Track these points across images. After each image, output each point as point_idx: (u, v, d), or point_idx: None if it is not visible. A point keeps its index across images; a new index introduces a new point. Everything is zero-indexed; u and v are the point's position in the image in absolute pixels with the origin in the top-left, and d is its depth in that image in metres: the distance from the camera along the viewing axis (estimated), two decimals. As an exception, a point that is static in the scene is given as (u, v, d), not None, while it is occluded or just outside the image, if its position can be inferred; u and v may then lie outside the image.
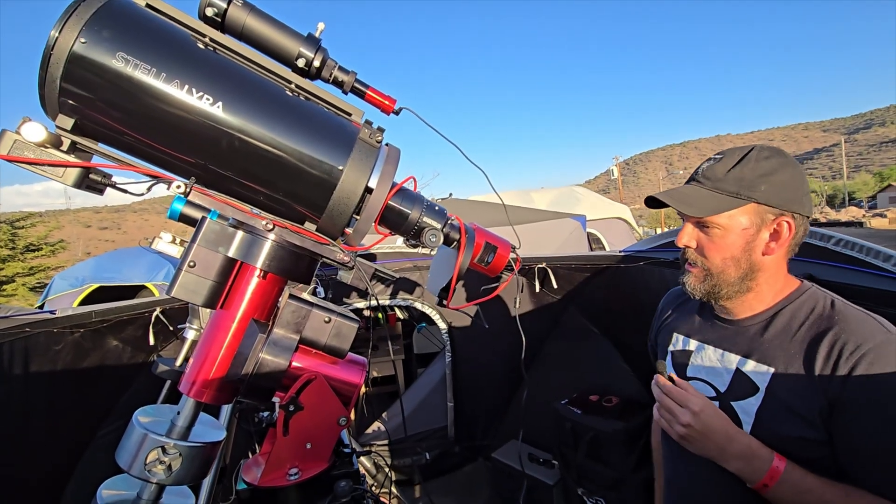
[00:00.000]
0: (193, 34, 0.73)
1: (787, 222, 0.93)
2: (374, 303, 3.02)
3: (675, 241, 1.06)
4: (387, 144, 0.86)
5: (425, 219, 0.88)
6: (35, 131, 0.65)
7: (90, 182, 0.72)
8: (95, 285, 5.53)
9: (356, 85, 0.86)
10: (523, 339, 1.15)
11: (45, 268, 14.58)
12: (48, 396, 1.97)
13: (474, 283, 2.40)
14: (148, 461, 0.71)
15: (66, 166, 0.67)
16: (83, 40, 0.63)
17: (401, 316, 4.55)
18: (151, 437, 0.72)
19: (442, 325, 3.11)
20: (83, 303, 5.28)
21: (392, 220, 0.87)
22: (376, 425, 3.29)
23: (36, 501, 2.01)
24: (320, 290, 2.50)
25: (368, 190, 0.79)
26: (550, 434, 2.63)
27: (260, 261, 0.77)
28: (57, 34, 0.63)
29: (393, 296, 2.92)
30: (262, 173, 0.76)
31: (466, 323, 3.10)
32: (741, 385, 0.96)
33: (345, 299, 2.72)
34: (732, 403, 0.96)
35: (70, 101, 0.67)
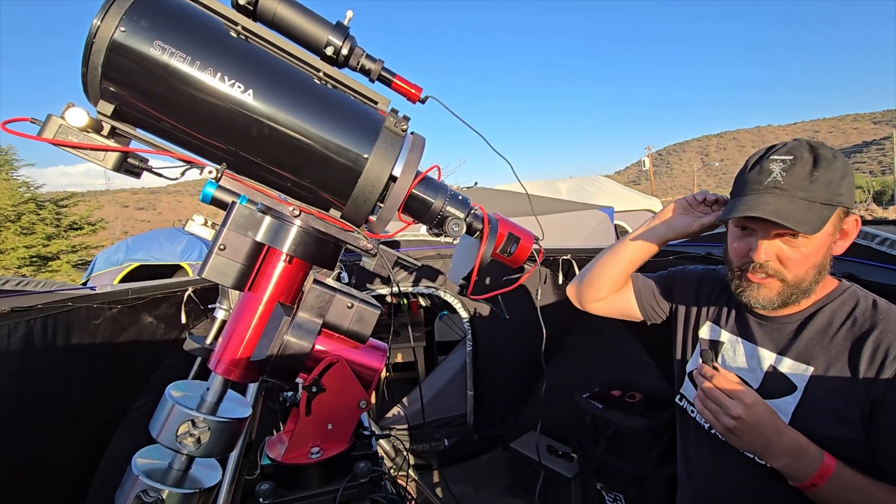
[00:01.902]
0: (226, 22, 0.74)
1: (856, 219, 0.91)
2: (396, 290, 3.06)
3: (717, 236, 1.01)
4: (412, 133, 0.86)
5: (448, 208, 0.89)
6: (78, 116, 0.68)
7: (128, 166, 0.76)
8: (136, 264, 5.77)
9: (383, 73, 0.87)
10: (544, 331, 1.15)
11: (87, 246, 15.25)
12: (87, 368, 2.08)
13: (496, 274, 2.40)
14: (179, 433, 0.75)
15: (107, 150, 0.70)
16: (123, 29, 0.66)
17: (423, 303, 4.59)
18: (182, 411, 0.76)
19: (464, 314, 3.12)
20: (123, 280, 5.52)
21: (415, 209, 0.88)
22: (396, 410, 3.35)
23: (77, 466, 2.14)
24: (344, 275, 2.54)
25: (393, 178, 0.80)
26: (570, 427, 2.63)
27: (286, 245, 0.79)
28: (99, 22, 0.66)
29: (416, 283, 2.95)
30: (290, 160, 0.77)
31: (488, 312, 3.11)
32: (776, 383, 0.94)
33: (368, 285, 2.76)
34: (767, 401, 0.93)
35: (110, 88, 0.70)
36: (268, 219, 0.78)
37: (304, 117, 0.75)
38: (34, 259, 13.75)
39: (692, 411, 1.10)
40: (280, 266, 0.81)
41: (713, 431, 1.02)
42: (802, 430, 0.88)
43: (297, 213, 0.80)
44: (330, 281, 0.88)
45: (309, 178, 0.79)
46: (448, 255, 2.95)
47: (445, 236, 0.91)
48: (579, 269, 2.60)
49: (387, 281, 2.84)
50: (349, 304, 0.85)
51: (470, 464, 3.34)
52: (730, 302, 1.10)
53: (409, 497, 1.02)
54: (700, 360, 0.97)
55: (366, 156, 0.78)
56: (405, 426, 3.27)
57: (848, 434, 0.84)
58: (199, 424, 0.76)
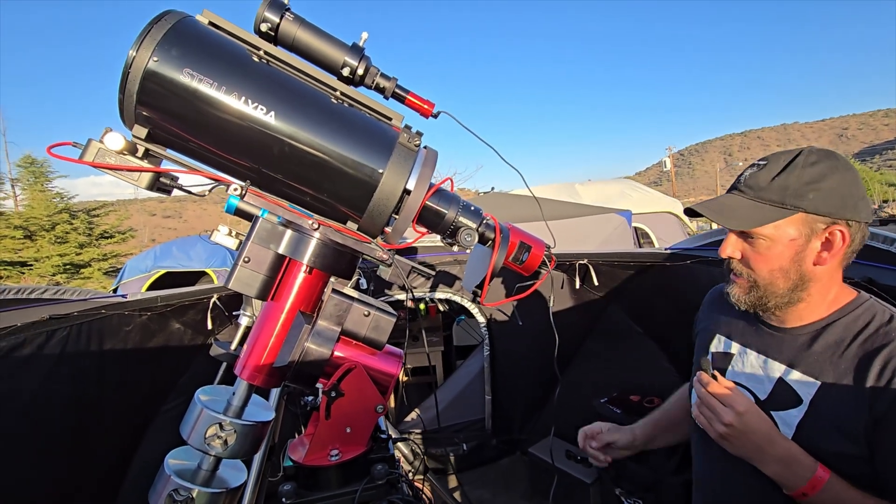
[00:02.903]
0: (249, 48, 0.79)
1: (841, 231, 0.88)
2: (411, 297, 3.10)
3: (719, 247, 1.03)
4: (425, 147, 0.90)
5: (461, 218, 0.92)
6: (116, 140, 0.73)
7: (160, 184, 0.81)
8: (162, 271, 5.96)
9: (397, 90, 0.90)
10: (556, 337, 1.16)
11: (117, 254, 15.81)
12: (119, 372, 2.17)
13: (511, 280, 2.41)
14: (207, 435, 0.80)
15: (142, 171, 0.75)
16: (156, 58, 0.71)
17: (441, 308, 4.62)
18: (210, 414, 0.80)
19: (480, 319, 3.14)
20: (151, 287, 5.71)
21: (429, 220, 0.91)
22: (414, 414, 3.38)
23: (109, 467, 2.23)
24: (363, 281, 2.59)
25: (407, 191, 0.84)
26: (588, 432, 2.61)
27: (306, 257, 0.84)
28: (134, 53, 0.71)
29: (433, 289, 2.98)
30: (309, 176, 0.82)
31: (504, 318, 3.12)
32: (784, 395, 0.93)
33: (386, 291, 2.81)
34: (773, 413, 0.93)
35: (144, 113, 0.75)
36: (289, 232, 0.82)
37: (323, 136, 0.79)
38: (67, 267, 14.30)
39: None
40: (300, 277, 0.85)
41: None
42: (806, 444, 0.88)
43: (316, 226, 0.84)
44: (348, 290, 0.92)
45: (327, 193, 0.84)
46: (464, 261, 2.98)
47: (458, 246, 0.94)
48: (596, 273, 2.60)
49: (404, 287, 2.88)
50: (366, 313, 0.88)
51: (488, 468, 3.34)
52: (740, 314, 1.10)
53: (426, 499, 1.05)
54: (700, 369, 0.99)
55: (381, 171, 0.82)
56: (422, 430, 3.30)
57: (851, 449, 0.84)
58: (225, 427, 0.81)
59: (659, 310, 2.59)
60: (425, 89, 0.95)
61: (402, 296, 2.90)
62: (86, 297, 2.05)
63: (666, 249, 2.29)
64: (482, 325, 3.15)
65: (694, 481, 1.17)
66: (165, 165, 0.82)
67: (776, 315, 0.99)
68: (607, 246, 4.36)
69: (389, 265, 0.89)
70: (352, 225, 0.87)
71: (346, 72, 0.85)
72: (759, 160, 0.97)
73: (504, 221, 1.00)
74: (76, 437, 1.98)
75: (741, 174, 0.98)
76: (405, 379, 4.22)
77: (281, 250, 0.82)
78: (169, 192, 0.85)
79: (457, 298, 3.06)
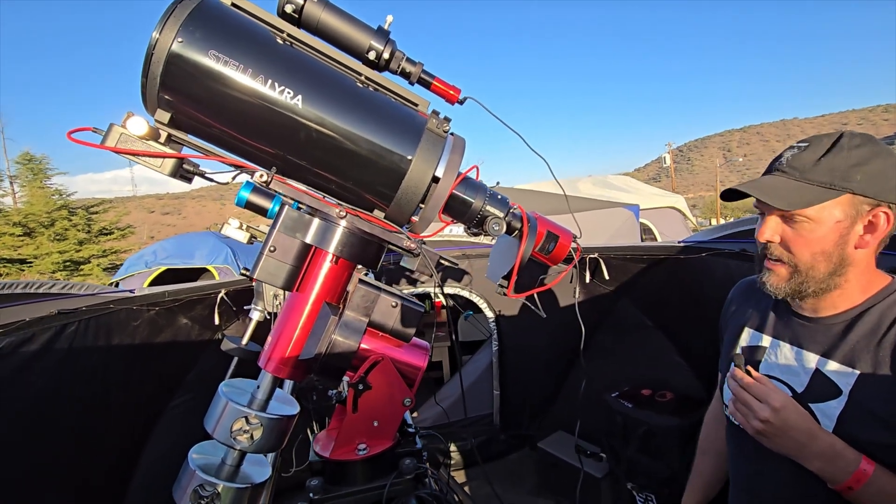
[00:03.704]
0: (273, 30, 0.76)
1: (885, 213, 0.87)
2: (433, 290, 3.09)
3: (753, 233, 1.00)
4: (452, 134, 0.87)
5: (488, 207, 0.89)
6: (139, 125, 0.71)
7: (183, 171, 0.78)
8: (164, 268, 5.93)
9: (422, 75, 0.88)
10: (582, 328, 1.14)
11: (116, 250, 15.77)
12: (127, 367, 2.15)
13: (524, 273, 2.40)
14: (233, 429, 0.77)
15: (165, 157, 0.73)
16: (180, 40, 0.68)
17: (447, 303, 4.61)
18: (236, 408, 0.78)
19: (489, 314, 3.12)
20: (152, 284, 5.68)
21: (456, 209, 0.89)
22: (421, 410, 3.36)
23: (118, 460, 2.21)
24: (371, 276, 2.57)
25: (435, 179, 0.81)
26: (598, 426, 2.60)
27: (333, 246, 0.81)
28: (157, 35, 0.68)
29: (441, 284, 2.97)
30: (336, 163, 0.79)
31: (514, 312, 3.10)
32: (822, 386, 0.91)
33: (394, 285, 2.79)
34: (811, 405, 0.91)
35: (167, 97, 0.72)
36: (316, 220, 0.80)
37: (350, 121, 0.77)
38: (67, 263, 14.25)
39: (734, 419, 1.09)
40: (326, 266, 0.83)
41: None
42: (847, 435, 0.86)
43: (343, 214, 0.82)
44: (373, 280, 0.90)
45: (354, 181, 0.81)
46: (473, 256, 2.96)
47: (485, 235, 0.92)
48: (606, 267, 2.58)
49: (413, 281, 2.86)
50: (393, 304, 0.86)
51: (497, 463, 3.33)
52: (770, 305, 1.08)
53: (454, 494, 1.03)
54: (733, 365, 0.96)
55: (409, 157, 0.79)
56: (430, 426, 3.28)
57: (893, 439, 0.82)
58: (251, 421, 0.78)
59: (672, 304, 2.57)
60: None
61: (409, 290, 2.88)
62: (93, 291, 2.03)
63: (679, 242, 2.27)
64: (490, 319, 3.13)
65: (731, 480, 1.15)
66: (188, 152, 0.79)
67: (809, 304, 0.97)
68: (615, 240, 4.33)
69: (417, 255, 0.87)
70: (378, 213, 0.84)
71: (371, 56, 0.82)
72: (798, 142, 0.94)
73: (530, 211, 0.98)
74: (85, 431, 1.96)
75: (780, 156, 0.95)
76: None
77: (308, 239, 0.80)
78: (190, 180, 0.82)
79: (465, 293, 3.04)
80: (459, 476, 3.19)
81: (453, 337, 3.72)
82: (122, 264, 6.61)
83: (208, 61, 0.70)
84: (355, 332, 0.82)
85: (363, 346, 0.86)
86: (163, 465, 2.34)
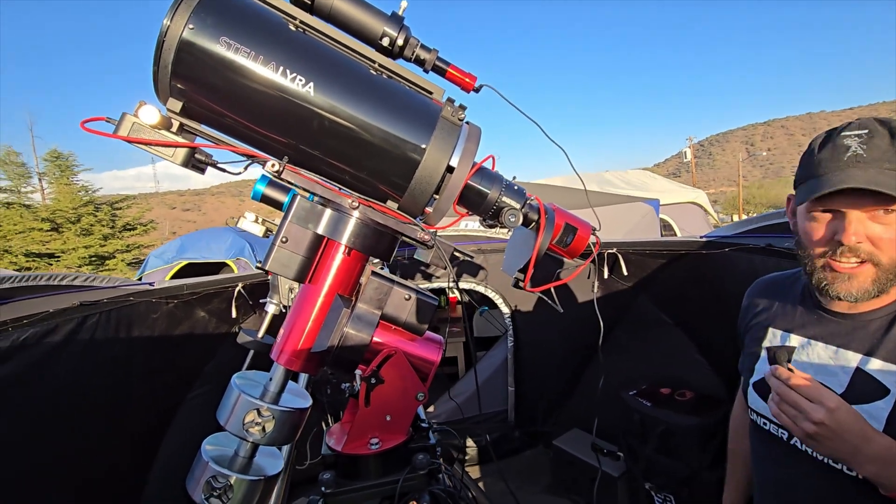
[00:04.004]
0: (286, 17, 0.75)
1: None
2: (447, 285, 3.07)
3: (779, 227, 0.94)
4: (467, 123, 0.85)
5: (504, 198, 0.87)
6: (151, 114, 0.70)
7: (195, 161, 0.78)
8: (184, 262, 6.04)
9: (437, 63, 0.85)
10: (601, 324, 1.10)
11: (139, 245, 16.17)
12: (147, 358, 2.19)
13: (539, 269, 2.36)
14: (246, 421, 0.77)
15: (177, 146, 0.72)
16: (191, 27, 0.67)
17: (462, 299, 4.59)
18: (248, 400, 0.77)
19: (505, 310, 3.09)
20: (173, 278, 5.79)
21: (471, 200, 0.86)
22: (435, 405, 3.36)
23: (138, 450, 2.26)
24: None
25: (450, 169, 0.79)
26: (615, 424, 2.56)
27: (345, 237, 0.80)
28: (168, 22, 0.67)
29: (456, 279, 2.94)
30: (349, 152, 0.78)
31: (530, 308, 3.07)
32: (865, 386, 0.86)
33: (408, 280, 2.78)
34: (855, 407, 0.85)
35: (179, 85, 0.71)
36: (328, 211, 0.79)
37: (363, 109, 0.75)
38: (93, 258, 14.65)
39: (763, 423, 1.02)
40: (339, 258, 0.82)
41: (788, 440, 0.95)
42: None
43: (355, 204, 0.80)
44: (387, 273, 0.88)
45: (367, 170, 0.80)
46: (489, 251, 2.93)
47: (501, 227, 0.89)
48: (625, 263, 2.52)
49: (428, 276, 2.85)
50: (407, 296, 0.84)
51: (511, 460, 3.31)
52: (797, 302, 1.02)
53: (468, 490, 1.02)
54: (770, 364, 0.87)
55: (423, 146, 0.77)
56: (444, 421, 3.28)
57: None
58: (263, 413, 0.78)
59: (692, 300, 2.51)
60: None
61: (423, 285, 2.87)
62: (114, 284, 2.06)
63: (702, 237, 2.21)
64: (506, 315, 3.10)
65: (756, 484, 1.09)
66: (200, 142, 0.78)
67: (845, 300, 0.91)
68: (633, 235, 4.25)
69: (431, 247, 0.85)
70: (391, 204, 0.83)
71: (385, 42, 0.80)
72: (847, 132, 0.85)
73: (548, 203, 0.95)
74: (106, 421, 2.00)
75: (847, 148, 0.84)
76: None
77: (320, 230, 0.78)
78: (203, 171, 0.82)
79: (480, 288, 3.01)
80: (473, 472, 3.18)
81: (468, 332, 3.70)
82: (145, 259, 6.75)
83: (220, 48, 0.69)
84: (368, 324, 0.81)
85: (376, 339, 0.85)
86: (181, 455, 2.38)
